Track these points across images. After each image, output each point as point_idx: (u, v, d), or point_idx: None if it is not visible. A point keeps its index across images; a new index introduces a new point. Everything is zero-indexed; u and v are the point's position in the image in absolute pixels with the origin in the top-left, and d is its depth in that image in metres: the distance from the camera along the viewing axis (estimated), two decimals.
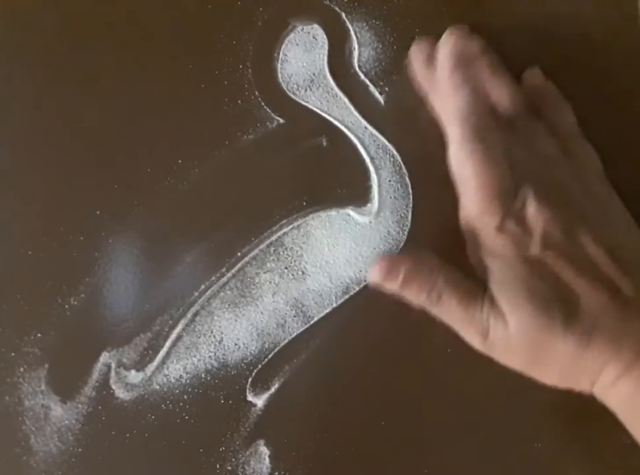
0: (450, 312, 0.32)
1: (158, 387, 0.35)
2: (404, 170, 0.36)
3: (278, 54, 0.37)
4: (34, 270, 0.36)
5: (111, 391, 0.35)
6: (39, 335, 0.35)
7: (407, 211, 0.36)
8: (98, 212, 0.36)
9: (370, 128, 0.36)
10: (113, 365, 0.35)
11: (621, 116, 0.37)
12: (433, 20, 0.36)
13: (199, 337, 0.35)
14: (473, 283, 0.32)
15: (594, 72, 0.37)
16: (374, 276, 0.33)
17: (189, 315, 0.35)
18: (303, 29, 0.37)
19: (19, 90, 0.37)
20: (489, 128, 0.33)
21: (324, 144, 0.36)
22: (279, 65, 0.37)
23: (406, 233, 0.36)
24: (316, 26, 0.37)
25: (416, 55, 0.36)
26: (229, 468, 0.35)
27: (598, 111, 0.36)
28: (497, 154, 0.32)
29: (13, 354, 0.35)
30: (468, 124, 0.32)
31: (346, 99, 0.37)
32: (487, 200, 0.31)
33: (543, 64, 0.37)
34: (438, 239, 0.34)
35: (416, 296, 0.32)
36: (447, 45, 0.34)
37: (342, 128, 0.36)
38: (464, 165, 0.32)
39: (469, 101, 0.33)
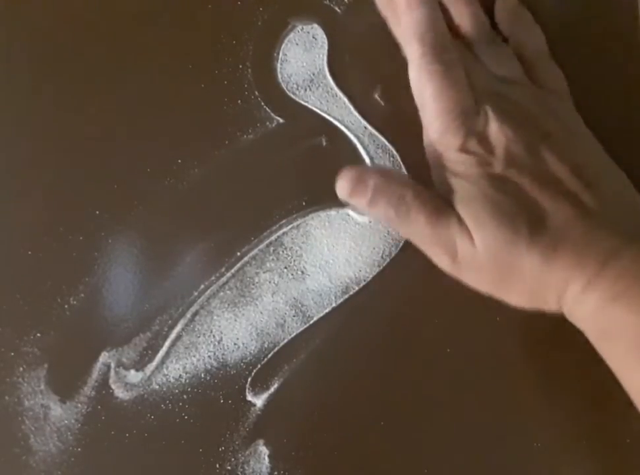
0: (418, 229, 0.32)
1: (157, 387, 0.35)
2: (404, 170, 0.36)
3: (278, 54, 0.37)
4: (34, 270, 0.36)
5: (111, 391, 0.35)
6: (38, 335, 0.35)
7: None
8: (98, 212, 0.36)
9: (370, 128, 0.36)
10: (112, 365, 0.35)
11: (621, 116, 0.37)
12: None
13: (199, 337, 0.35)
14: (441, 201, 0.32)
15: (594, 72, 0.37)
16: (342, 189, 0.33)
17: (189, 315, 0.35)
18: (303, 29, 0.37)
19: (19, 90, 0.37)
20: (449, 47, 0.33)
21: (324, 143, 0.36)
22: (279, 65, 0.37)
23: None
24: (316, 25, 0.37)
25: None
26: (229, 467, 0.35)
27: (597, 111, 0.36)
28: (456, 74, 0.32)
29: (13, 354, 0.35)
30: (427, 42, 0.32)
31: (345, 99, 0.37)
32: (449, 121, 0.32)
33: None
34: None
35: (384, 211, 0.32)
36: None
37: (342, 128, 0.36)
38: (424, 87, 0.32)
39: (428, 17, 0.33)
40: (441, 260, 0.32)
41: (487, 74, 0.34)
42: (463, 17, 0.35)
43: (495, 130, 0.32)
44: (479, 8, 0.35)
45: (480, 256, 0.31)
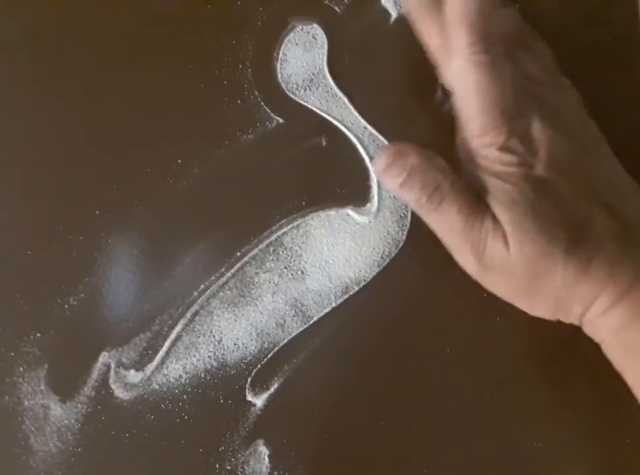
0: (448, 220, 0.31)
1: (157, 387, 0.35)
2: None
3: (278, 54, 0.37)
4: (34, 270, 0.36)
5: (111, 391, 0.35)
6: (38, 335, 0.35)
7: (407, 211, 0.36)
8: (98, 212, 0.36)
9: (370, 128, 0.36)
10: (112, 365, 0.35)
11: (621, 116, 0.37)
12: None
13: (198, 337, 0.35)
14: (476, 196, 0.31)
15: (594, 72, 0.37)
16: (378, 164, 0.31)
17: (189, 315, 0.35)
18: (302, 29, 0.37)
19: (18, 90, 0.37)
20: (496, 40, 0.31)
21: (324, 143, 0.36)
22: (279, 65, 0.37)
23: (406, 233, 0.36)
24: (316, 25, 0.37)
25: None
26: (229, 467, 0.35)
27: (597, 111, 0.36)
28: (504, 69, 0.31)
29: (13, 354, 0.35)
30: (477, 30, 0.31)
31: (345, 99, 0.37)
32: (493, 117, 0.30)
33: None
34: (438, 239, 0.34)
35: (416, 195, 0.31)
36: None
37: (342, 128, 0.36)
38: (469, 78, 0.31)
39: (478, 8, 0.31)
40: (465, 259, 0.31)
41: (524, 73, 0.33)
42: (504, 20, 0.34)
43: (538, 130, 0.31)
44: (516, 11, 0.35)
45: (512, 261, 0.30)
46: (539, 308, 0.31)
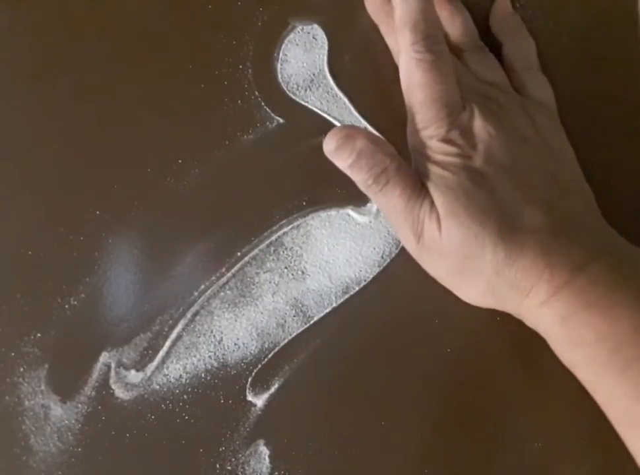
0: (391, 201, 0.32)
1: (157, 387, 0.35)
2: None
3: (278, 54, 0.37)
4: (34, 270, 0.36)
5: (111, 391, 0.35)
6: (39, 335, 0.35)
7: None
8: (98, 212, 0.36)
9: (370, 128, 0.36)
10: (113, 365, 0.35)
11: (621, 116, 0.37)
12: None
13: (199, 337, 0.35)
14: (420, 181, 0.32)
15: (594, 73, 0.37)
16: (327, 145, 0.32)
17: (189, 315, 0.35)
18: (303, 29, 0.37)
19: (19, 90, 0.37)
20: (440, 39, 0.33)
21: None
22: (279, 65, 0.37)
23: None
24: (316, 26, 0.37)
25: None
26: (229, 467, 0.35)
27: (597, 112, 0.36)
28: (446, 66, 0.33)
29: (13, 354, 0.35)
30: (419, 30, 0.32)
31: (346, 99, 0.37)
32: (434, 110, 0.32)
33: (542, 63, 0.37)
34: None
35: (364, 177, 0.32)
36: None
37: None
38: (412, 75, 0.32)
39: (422, 9, 0.32)
40: (406, 239, 0.33)
41: (473, 75, 0.35)
42: (453, 23, 0.36)
43: (479, 126, 0.32)
44: (468, 16, 0.36)
45: (443, 243, 0.32)
46: (471, 292, 0.33)
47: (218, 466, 0.35)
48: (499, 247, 0.31)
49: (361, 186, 0.33)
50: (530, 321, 0.33)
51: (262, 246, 0.36)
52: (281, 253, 0.36)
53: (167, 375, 0.35)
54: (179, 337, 0.35)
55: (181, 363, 0.35)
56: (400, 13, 0.33)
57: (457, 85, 0.33)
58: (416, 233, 0.32)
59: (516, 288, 0.31)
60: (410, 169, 0.33)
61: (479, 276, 0.32)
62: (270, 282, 0.36)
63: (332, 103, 0.37)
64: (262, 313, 0.36)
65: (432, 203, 0.32)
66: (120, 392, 0.35)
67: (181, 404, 0.35)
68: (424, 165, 0.33)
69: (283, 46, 0.37)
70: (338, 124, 0.36)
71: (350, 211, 0.36)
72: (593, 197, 0.34)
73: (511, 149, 0.32)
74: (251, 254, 0.36)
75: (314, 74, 0.37)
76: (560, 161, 0.34)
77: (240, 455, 0.35)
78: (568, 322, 0.31)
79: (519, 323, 0.34)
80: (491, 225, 0.31)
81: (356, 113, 0.37)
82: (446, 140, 0.32)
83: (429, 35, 0.32)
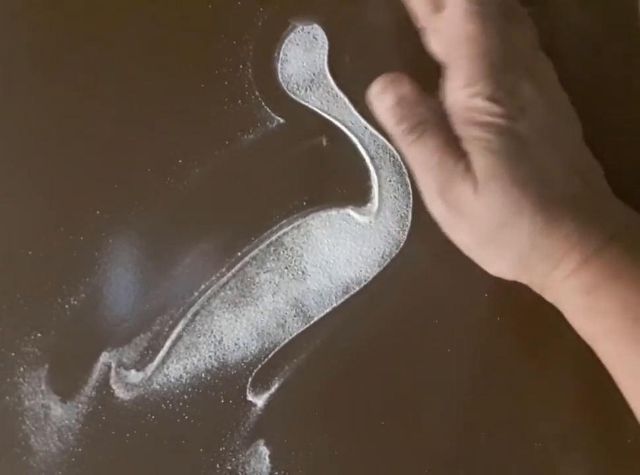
0: (423, 154, 0.31)
1: (158, 387, 0.35)
2: (404, 170, 0.36)
3: (278, 54, 0.37)
4: (34, 270, 0.36)
5: (111, 391, 0.35)
6: (39, 335, 0.35)
7: (407, 211, 0.36)
8: (98, 212, 0.36)
9: (370, 128, 0.36)
10: (113, 365, 0.35)
11: (621, 116, 0.37)
12: None
13: (199, 337, 0.35)
14: (457, 142, 0.31)
15: (594, 72, 0.37)
16: (375, 86, 0.32)
17: (189, 315, 0.35)
18: (303, 29, 0.37)
19: (19, 90, 0.37)
20: (492, 0, 0.32)
21: (324, 144, 0.36)
22: (279, 65, 0.37)
23: (406, 233, 0.36)
24: (316, 25, 0.37)
25: None
26: (229, 467, 0.35)
27: (597, 111, 0.36)
28: (497, 22, 0.32)
29: (13, 354, 0.35)
30: None
31: (346, 99, 0.37)
32: (483, 66, 0.31)
33: None
34: (438, 239, 0.34)
35: (400, 122, 0.31)
36: None
37: (342, 128, 0.36)
38: (460, 27, 0.31)
39: None
40: (433, 198, 0.32)
41: (514, 33, 0.33)
42: None
43: (528, 91, 0.31)
44: None
45: (479, 206, 0.30)
46: (499, 262, 0.32)
47: (218, 466, 0.35)
48: (537, 217, 0.30)
49: (396, 134, 0.32)
50: (553, 294, 0.32)
51: (262, 246, 0.36)
52: (281, 253, 0.36)
53: (168, 375, 0.35)
54: (179, 337, 0.35)
55: (181, 363, 0.35)
56: None
57: (505, 42, 0.31)
58: (445, 193, 0.31)
59: (547, 258, 0.31)
60: (449, 127, 0.32)
61: (512, 245, 0.31)
62: (270, 282, 0.36)
63: (332, 103, 0.37)
64: (262, 313, 0.36)
65: (468, 165, 0.31)
66: (120, 392, 0.35)
67: (181, 404, 0.35)
68: (464, 125, 0.31)
69: (283, 46, 0.37)
70: (338, 124, 0.36)
71: (350, 211, 0.36)
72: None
73: (555, 116, 0.32)
74: (251, 254, 0.36)
75: (314, 74, 0.37)
76: (580, 142, 0.34)
77: (240, 455, 0.35)
78: (593, 291, 0.30)
79: (519, 323, 0.34)
80: (533, 193, 0.30)
81: (356, 113, 0.37)
82: (493, 99, 0.31)
83: None
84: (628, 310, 0.30)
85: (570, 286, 0.31)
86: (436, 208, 0.32)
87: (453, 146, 0.31)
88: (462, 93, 0.31)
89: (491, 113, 0.31)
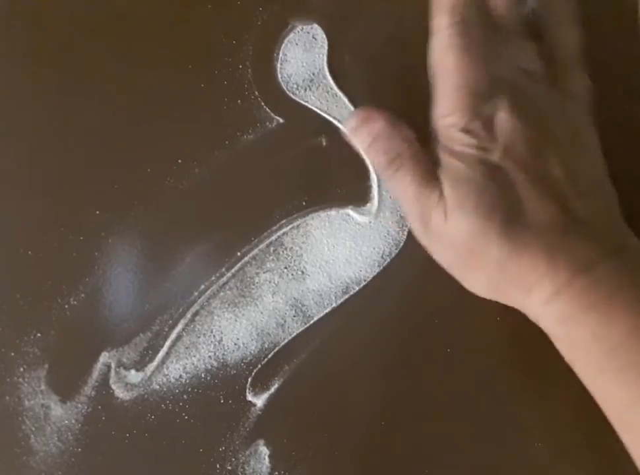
0: (403, 186, 0.33)
1: (157, 387, 0.35)
2: None
3: (278, 54, 0.37)
4: (34, 270, 0.36)
5: (111, 391, 0.35)
6: (39, 335, 0.35)
7: None
8: (98, 212, 0.36)
9: None
10: (112, 365, 0.35)
11: (621, 116, 0.37)
12: None
13: (199, 337, 0.35)
14: (432, 169, 0.32)
15: (594, 72, 0.37)
16: (350, 122, 0.33)
17: (189, 315, 0.35)
18: (302, 29, 0.37)
19: (19, 90, 0.37)
20: (477, 24, 0.32)
21: (324, 144, 0.36)
22: (279, 65, 0.37)
23: (406, 233, 0.36)
24: (316, 25, 0.37)
25: None
26: (229, 467, 0.35)
27: (597, 111, 0.36)
28: (479, 53, 0.32)
29: (13, 354, 0.35)
30: (457, 14, 0.32)
31: (345, 99, 0.37)
32: (460, 98, 0.32)
33: None
34: None
35: (379, 159, 0.33)
36: None
37: (342, 128, 0.36)
38: (444, 59, 0.32)
39: None
40: (414, 224, 0.33)
41: (509, 63, 0.33)
42: (495, 3, 0.34)
43: (503, 119, 0.32)
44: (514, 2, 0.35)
45: (450, 234, 0.31)
46: (475, 284, 0.33)
47: (218, 466, 0.35)
48: (504, 244, 0.31)
49: (377, 168, 0.34)
50: (533, 318, 0.33)
51: (262, 246, 0.36)
52: (281, 253, 0.36)
53: (167, 375, 0.35)
54: (179, 337, 0.35)
55: (181, 363, 0.35)
56: None
57: (488, 73, 0.32)
58: (424, 221, 0.32)
59: (519, 285, 0.31)
60: (425, 156, 0.33)
61: (483, 268, 0.31)
62: (270, 282, 0.36)
63: (332, 103, 0.37)
64: (262, 313, 0.36)
65: (441, 193, 0.32)
66: (120, 392, 0.35)
67: (181, 404, 0.35)
68: (441, 154, 0.32)
69: (283, 46, 0.37)
70: (338, 124, 0.36)
71: (350, 211, 0.36)
72: (616, 199, 0.33)
73: (535, 145, 0.32)
74: (251, 254, 0.36)
75: (314, 74, 0.37)
76: (586, 159, 0.33)
77: (240, 455, 0.35)
78: (568, 322, 0.31)
79: (519, 323, 0.34)
80: (498, 221, 0.31)
81: None
82: (466, 131, 0.32)
83: (466, 18, 0.32)
84: (599, 342, 0.30)
85: (546, 314, 0.31)
86: (417, 232, 0.33)
87: (429, 176, 0.32)
88: (441, 121, 0.33)
89: (464, 144, 0.32)
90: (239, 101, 0.37)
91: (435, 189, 0.32)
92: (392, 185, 0.34)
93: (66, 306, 0.35)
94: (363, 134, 0.33)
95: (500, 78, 0.33)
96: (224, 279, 0.36)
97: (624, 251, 0.31)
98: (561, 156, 0.32)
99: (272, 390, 0.35)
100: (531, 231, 0.31)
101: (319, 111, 0.37)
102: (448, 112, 0.32)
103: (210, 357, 0.35)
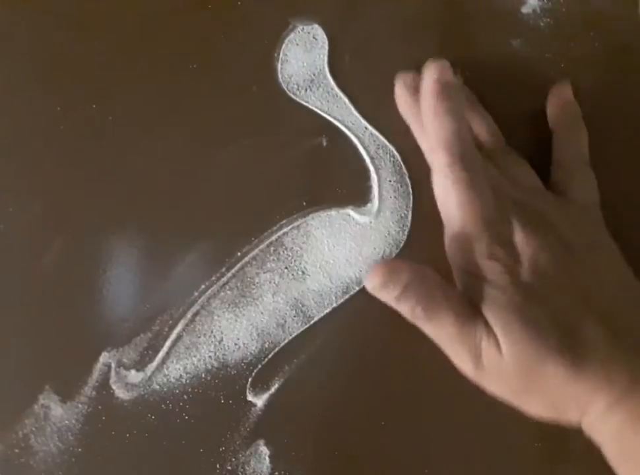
0: (443, 330, 0.32)
1: (157, 387, 0.35)
2: (404, 170, 0.36)
3: (278, 54, 0.37)
4: (35, 270, 0.36)
5: (111, 391, 0.35)
6: (39, 335, 0.35)
7: (407, 211, 0.36)
8: (98, 212, 0.36)
9: (370, 128, 0.36)
10: (113, 365, 0.35)
11: (620, 116, 0.37)
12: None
13: (199, 337, 0.35)
14: (468, 304, 0.32)
15: (595, 73, 0.37)
16: (372, 282, 0.32)
17: (189, 315, 0.35)
18: (303, 29, 0.37)
19: (19, 89, 0.37)
20: (474, 156, 0.33)
21: (324, 144, 0.36)
22: (279, 65, 0.37)
23: (406, 233, 0.36)
24: (316, 26, 0.37)
25: (400, 86, 0.36)
26: (229, 467, 0.35)
27: (597, 111, 0.36)
28: (481, 181, 0.32)
29: (13, 354, 0.35)
30: (453, 151, 0.32)
31: (346, 100, 0.37)
32: (475, 229, 0.31)
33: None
34: (438, 239, 0.34)
35: (412, 309, 0.32)
36: (431, 74, 0.33)
37: (342, 128, 0.36)
38: (449, 195, 0.32)
39: (454, 129, 0.32)
40: (464, 364, 0.32)
41: (509, 182, 0.34)
42: (482, 126, 0.35)
43: (521, 239, 0.32)
44: (491, 120, 0.36)
45: (505, 364, 0.31)
46: (535, 408, 0.32)
47: (218, 466, 0.35)
48: (559, 366, 0.30)
49: (410, 317, 0.32)
50: (588, 431, 0.32)
51: (262, 246, 0.36)
52: (281, 253, 0.36)
53: (168, 375, 0.35)
54: (179, 337, 0.35)
55: (181, 363, 0.35)
56: (432, 132, 0.33)
57: (493, 199, 0.32)
58: (474, 358, 0.31)
59: (578, 402, 0.31)
60: (457, 293, 0.32)
61: (543, 393, 0.31)
62: (270, 282, 0.36)
63: (332, 103, 0.37)
64: (262, 313, 0.36)
65: (487, 325, 0.31)
66: (120, 392, 0.35)
67: (181, 404, 0.35)
68: (471, 284, 0.32)
69: (283, 46, 0.37)
70: (338, 124, 0.36)
71: (350, 211, 0.36)
72: None
73: (557, 259, 0.32)
74: (251, 255, 0.36)
75: (314, 74, 0.37)
76: (608, 267, 0.33)
77: (240, 455, 0.35)
78: (622, 433, 0.30)
79: None
80: (552, 341, 0.30)
81: (356, 113, 0.37)
82: (490, 257, 0.31)
83: (464, 154, 0.32)
84: None
85: (600, 429, 0.31)
86: (469, 371, 0.32)
87: (468, 312, 0.31)
88: (463, 254, 0.32)
89: (492, 270, 0.31)
90: (239, 101, 0.37)
91: (478, 321, 0.31)
92: (432, 330, 0.32)
93: (66, 306, 0.35)
94: (391, 289, 0.32)
95: (505, 197, 0.33)
96: (224, 279, 0.36)
97: None
98: (582, 264, 0.32)
99: (273, 390, 0.35)
100: (582, 348, 0.30)
101: (319, 112, 0.37)
102: (466, 243, 0.32)
103: (210, 357, 0.35)
